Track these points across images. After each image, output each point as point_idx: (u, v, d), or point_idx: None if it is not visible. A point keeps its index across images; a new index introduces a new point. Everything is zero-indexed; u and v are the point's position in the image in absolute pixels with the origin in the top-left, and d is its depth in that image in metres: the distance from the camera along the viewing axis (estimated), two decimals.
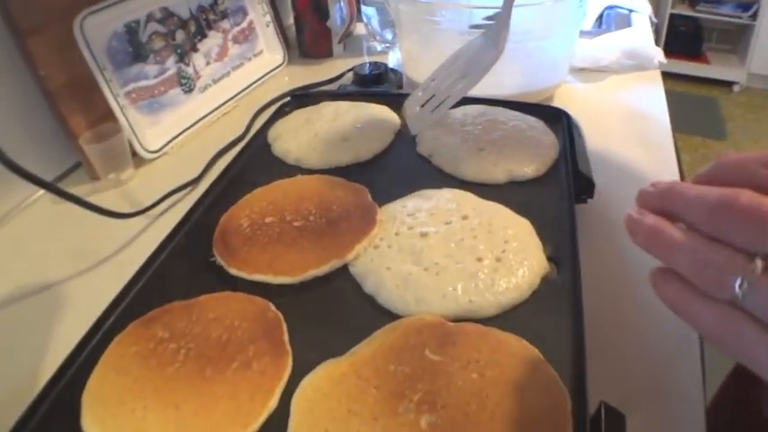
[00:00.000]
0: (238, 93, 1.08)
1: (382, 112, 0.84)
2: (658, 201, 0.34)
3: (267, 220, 0.62)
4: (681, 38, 3.86)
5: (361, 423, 0.42)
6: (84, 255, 0.72)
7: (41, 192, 0.83)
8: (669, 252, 0.33)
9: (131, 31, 0.91)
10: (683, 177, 0.89)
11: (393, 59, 1.20)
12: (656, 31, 3.74)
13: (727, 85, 3.86)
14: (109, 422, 0.44)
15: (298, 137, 0.79)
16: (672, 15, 3.77)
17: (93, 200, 0.82)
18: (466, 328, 0.48)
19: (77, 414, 0.45)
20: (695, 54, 3.94)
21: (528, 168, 0.69)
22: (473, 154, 0.71)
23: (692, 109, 3.63)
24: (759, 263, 0.29)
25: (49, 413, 0.46)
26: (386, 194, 0.67)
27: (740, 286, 0.29)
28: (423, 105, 0.76)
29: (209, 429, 0.43)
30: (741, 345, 0.30)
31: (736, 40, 3.95)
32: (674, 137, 0.95)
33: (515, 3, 0.74)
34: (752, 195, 0.29)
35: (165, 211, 0.79)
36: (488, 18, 0.90)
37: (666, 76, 3.42)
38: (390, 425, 0.41)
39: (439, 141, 0.75)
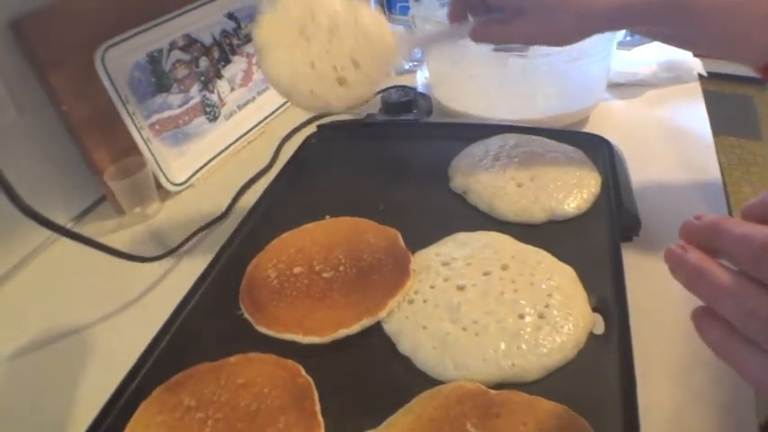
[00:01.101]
0: (265, 118, 1.06)
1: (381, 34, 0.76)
2: (703, 236, 0.32)
3: (295, 270, 0.59)
4: None
5: None
6: (110, 297, 0.70)
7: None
8: (713, 295, 0.31)
9: (154, 60, 0.89)
10: (726, 194, 0.85)
11: (421, 78, 1.17)
12: None
13: (761, 82, 3.77)
14: None
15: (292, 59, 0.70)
16: None
17: (118, 235, 0.82)
18: (510, 398, 0.45)
19: None
20: None
21: (569, 206, 0.66)
22: (510, 191, 0.68)
23: (726, 108, 3.54)
24: None
25: None
26: (418, 238, 0.64)
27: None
28: None
29: None
30: None
31: None
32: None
33: None
34: None
35: (192, 248, 0.77)
36: None
37: (698, 75, 3.32)
38: None
39: (473, 177, 0.72)
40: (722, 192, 0.80)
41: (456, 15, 0.70)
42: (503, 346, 0.49)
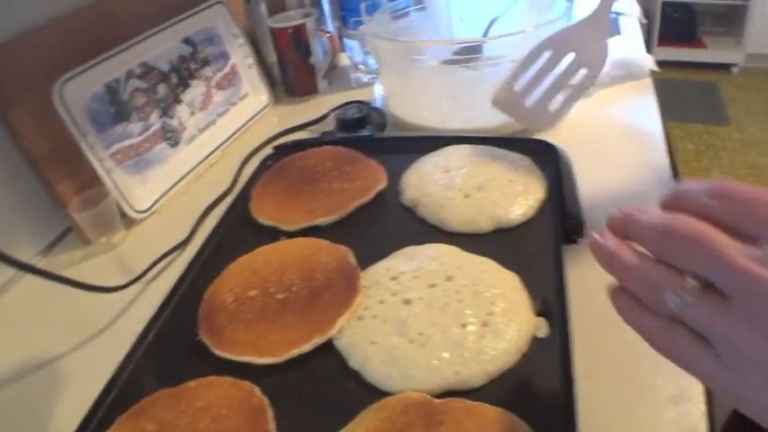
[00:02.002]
0: (227, 139, 1.07)
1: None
2: (620, 225, 0.38)
3: (251, 293, 0.62)
4: (675, 25, 3.82)
5: None
6: (79, 328, 0.72)
7: (33, 261, 0.83)
8: (623, 273, 0.37)
9: (112, 90, 0.90)
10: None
11: (379, 90, 1.19)
12: (650, 21, 3.71)
13: (726, 67, 3.83)
14: None
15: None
16: (664, 4, 3.74)
17: (86, 266, 0.83)
18: (453, 406, 0.48)
19: None
20: (691, 39, 3.91)
21: (515, 214, 0.68)
22: (458, 202, 0.70)
23: (693, 96, 3.59)
24: (691, 281, 0.33)
25: None
26: (370, 254, 0.66)
27: (676, 302, 0.33)
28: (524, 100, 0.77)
29: None
30: (680, 354, 0.35)
31: (731, 21, 3.91)
32: (669, 145, 0.93)
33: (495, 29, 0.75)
34: (687, 222, 0.34)
35: (158, 275, 0.79)
36: (459, 52, 0.90)
37: (664, 64, 3.40)
38: None
39: (422, 190, 0.74)
40: (670, 181, 0.82)
41: None
42: (446, 355, 0.51)
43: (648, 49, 3.72)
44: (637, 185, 0.81)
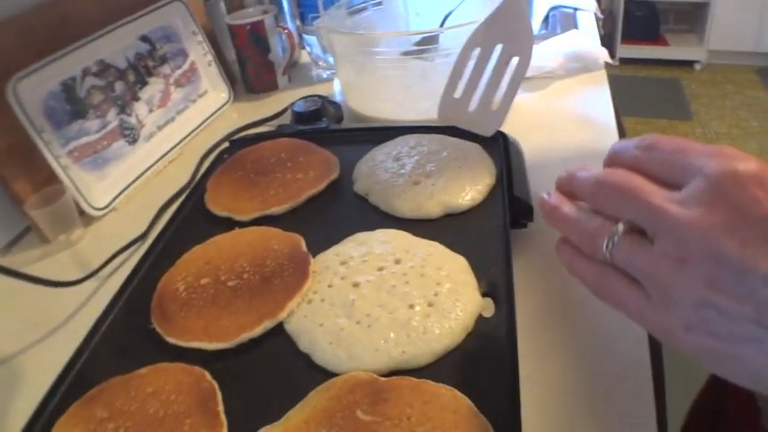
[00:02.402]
0: (186, 136, 1.08)
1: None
2: (565, 184, 0.42)
3: (202, 281, 0.62)
4: (638, 23, 3.88)
5: None
6: (36, 325, 0.72)
7: None
8: (563, 224, 0.41)
9: (68, 88, 0.90)
10: None
11: (338, 85, 1.20)
12: (613, 19, 3.77)
13: (689, 64, 3.90)
14: None
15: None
16: (627, 2, 3.79)
17: (44, 264, 0.83)
18: (398, 383, 0.49)
19: None
20: (654, 37, 3.97)
21: (464, 200, 0.69)
22: (407, 189, 0.71)
23: (656, 92, 3.65)
24: (621, 227, 0.36)
25: None
26: (322, 241, 0.67)
27: (607, 247, 0.37)
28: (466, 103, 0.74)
29: None
30: (614, 296, 0.38)
31: (693, 19, 3.99)
32: (621, 128, 0.95)
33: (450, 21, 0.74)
34: (617, 173, 0.37)
35: (115, 270, 0.79)
36: (419, 43, 0.91)
37: (628, 61, 3.43)
38: None
39: (373, 179, 0.75)
40: None
41: None
42: (392, 335, 0.52)
43: (612, 46, 3.75)
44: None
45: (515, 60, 0.70)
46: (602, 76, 1.12)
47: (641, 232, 0.36)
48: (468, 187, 0.70)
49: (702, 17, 3.79)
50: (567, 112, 1.01)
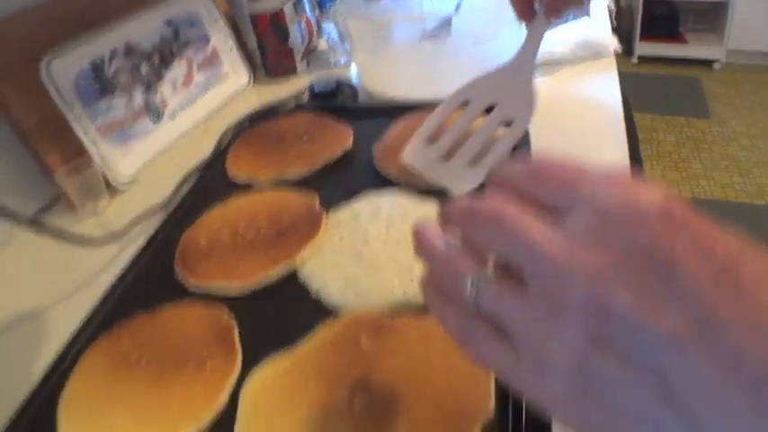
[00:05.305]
0: (207, 116, 1.13)
1: None
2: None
3: (223, 235, 0.67)
4: (658, 21, 3.89)
5: (301, 410, 0.47)
6: (63, 284, 0.76)
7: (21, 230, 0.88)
8: (428, 259, 0.33)
9: (97, 68, 0.96)
10: (639, 161, 0.91)
11: (355, 69, 1.24)
12: (633, 17, 3.78)
13: (708, 63, 3.89)
14: (81, 426, 0.49)
15: None
16: (646, 0, 3.80)
17: (72, 230, 0.88)
18: (399, 320, 0.53)
19: (55, 421, 0.50)
20: (673, 36, 3.97)
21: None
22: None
23: (675, 90, 3.66)
24: (490, 266, 0.29)
25: (31, 422, 0.52)
26: (335, 202, 0.72)
27: (472, 288, 0.29)
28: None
29: (166, 424, 0.48)
30: (477, 351, 0.30)
31: (713, 18, 3.98)
32: (631, 121, 0.97)
33: (463, 6, 0.76)
34: (496, 200, 0.29)
35: (138, 235, 0.83)
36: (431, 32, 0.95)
37: (647, 59, 3.42)
38: (328, 410, 0.46)
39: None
40: (626, 152, 0.87)
41: (525, 13, 0.68)
42: (396, 279, 0.57)
43: (631, 43, 3.73)
44: (591, 152, 0.86)
45: (506, 126, 0.67)
46: (612, 63, 1.15)
47: (519, 276, 0.28)
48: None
49: (722, 17, 3.79)
50: (575, 97, 1.04)
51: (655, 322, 0.23)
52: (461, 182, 0.66)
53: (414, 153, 0.69)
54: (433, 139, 0.69)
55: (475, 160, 0.67)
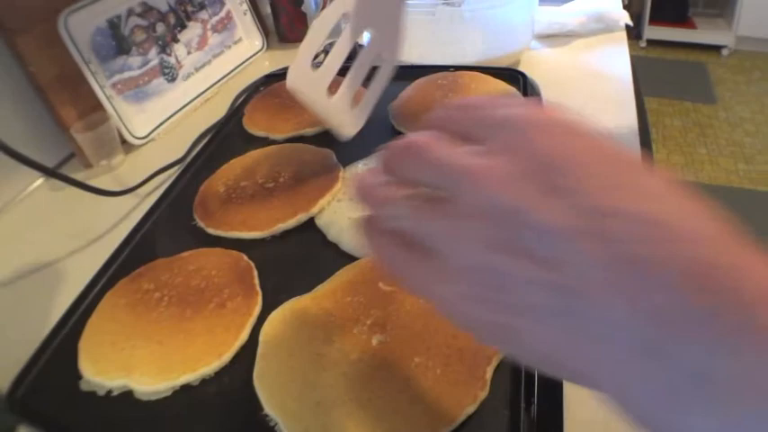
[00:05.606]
0: (220, 79, 1.14)
1: None
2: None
3: (242, 184, 0.68)
4: (667, 5, 3.88)
5: (319, 344, 0.48)
6: (80, 235, 0.78)
7: (39, 181, 0.89)
8: (362, 199, 0.33)
9: (113, 26, 0.96)
10: (647, 133, 0.93)
11: (368, 35, 1.24)
12: (642, 1, 3.77)
13: (716, 49, 3.89)
14: (101, 360, 0.50)
15: None
16: None
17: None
18: None
19: (75, 357, 0.52)
20: (682, 20, 3.96)
21: None
22: None
23: (682, 75, 3.65)
24: (417, 192, 0.30)
25: (52, 357, 0.53)
26: (350, 157, 0.72)
27: (396, 212, 0.30)
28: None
29: (187, 359, 0.49)
30: (401, 268, 0.31)
31: (723, 3, 3.97)
32: (640, 97, 0.98)
33: None
34: (410, 139, 0.30)
35: (154, 190, 0.85)
36: None
37: (655, 43, 3.41)
38: (346, 344, 0.47)
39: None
40: (635, 120, 0.88)
41: None
42: None
43: (640, 27, 3.72)
44: (600, 117, 0.87)
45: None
46: (622, 36, 1.16)
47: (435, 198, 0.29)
48: None
49: (732, 2, 3.78)
50: (586, 68, 1.05)
51: (549, 217, 0.24)
52: (348, 124, 0.67)
53: (299, 77, 0.61)
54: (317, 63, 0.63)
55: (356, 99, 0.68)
